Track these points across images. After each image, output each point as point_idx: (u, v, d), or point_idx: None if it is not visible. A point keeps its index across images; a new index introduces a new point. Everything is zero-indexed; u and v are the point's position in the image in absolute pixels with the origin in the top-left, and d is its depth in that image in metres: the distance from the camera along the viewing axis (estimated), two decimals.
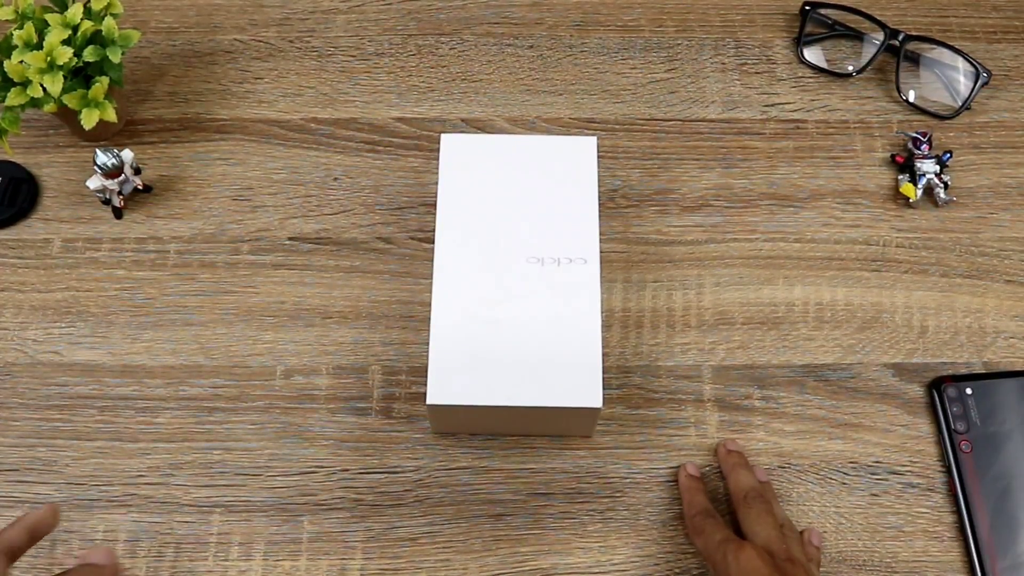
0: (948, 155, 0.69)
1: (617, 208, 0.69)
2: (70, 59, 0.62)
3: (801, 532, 0.58)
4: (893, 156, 0.70)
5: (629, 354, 0.64)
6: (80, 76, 0.65)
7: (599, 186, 0.70)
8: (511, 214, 0.59)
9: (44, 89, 0.63)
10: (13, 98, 0.62)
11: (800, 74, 0.75)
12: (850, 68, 0.74)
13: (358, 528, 0.59)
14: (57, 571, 0.55)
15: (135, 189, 0.67)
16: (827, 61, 0.75)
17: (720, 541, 0.54)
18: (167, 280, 0.66)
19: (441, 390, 0.54)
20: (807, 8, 0.75)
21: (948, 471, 0.61)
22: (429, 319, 0.59)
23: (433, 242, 0.61)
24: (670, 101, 0.73)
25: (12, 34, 0.63)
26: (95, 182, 0.65)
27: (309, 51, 0.75)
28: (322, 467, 0.61)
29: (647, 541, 0.59)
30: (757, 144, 0.72)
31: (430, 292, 0.66)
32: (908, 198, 0.69)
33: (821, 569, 0.58)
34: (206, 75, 0.74)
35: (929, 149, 0.69)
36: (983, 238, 0.68)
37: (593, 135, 0.69)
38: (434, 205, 0.69)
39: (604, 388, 0.63)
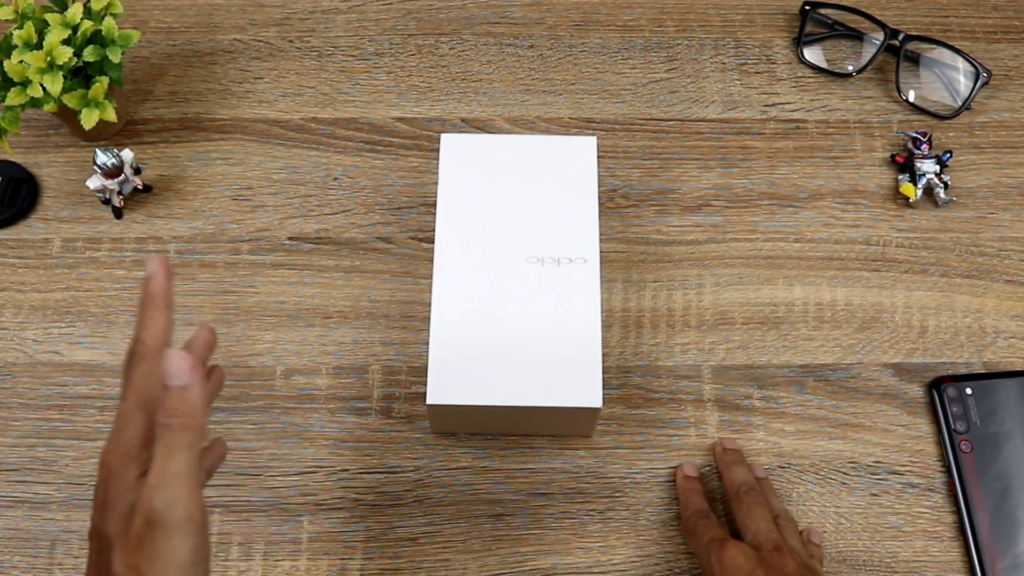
0: (948, 155, 0.69)
1: (617, 208, 0.69)
2: (70, 59, 0.62)
3: (800, 532, 0.58)
4: (893, 156, 0.70)
5: (629, 354, 0.64)
6: (80, 76, 0.65)
7: (599, 186, 0.70)
8: (511, 214, 0.59)
9: (44, 89, 0.63)
10: (13, 98, 0.62)
11: (800, 74, 0.75)
12: (850, 68, 0.74)
13: (358, 528, 0.59)
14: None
15: (135, 189, 0.67)
16: (827, 61, 0.75)
17: (707, 542, 0.54)
18: None
19: (441, 390, 0.54)
20: (807, 8, 0.75)
21: (948, 471, 0.61)
22: (429, 319, 0.59)
23: (433, 242, 0.61)
24: (670, 101, 0.73)
25: (12, 34, 0.63)
26: (95, 182, 0.65)
27: (309, 51, 0.75)
28: (322, 467, 0.61)
29: (647, 541, 0.59)
30: (757, 144, 0.72)
31: (430, 292, 0.66)
32: (908, 198, 0.69)
33: (822, 568, 0.58)
34: (206, 75, 0.74)
35: (929, 149, 0.69)
36: (983, 238, 0.68)
37: (593, 135, 0.69)
38: (434, 205, 0.69)
39: (604, 388, 0.63)
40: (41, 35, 0.64)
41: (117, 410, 0.42)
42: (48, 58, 0.62)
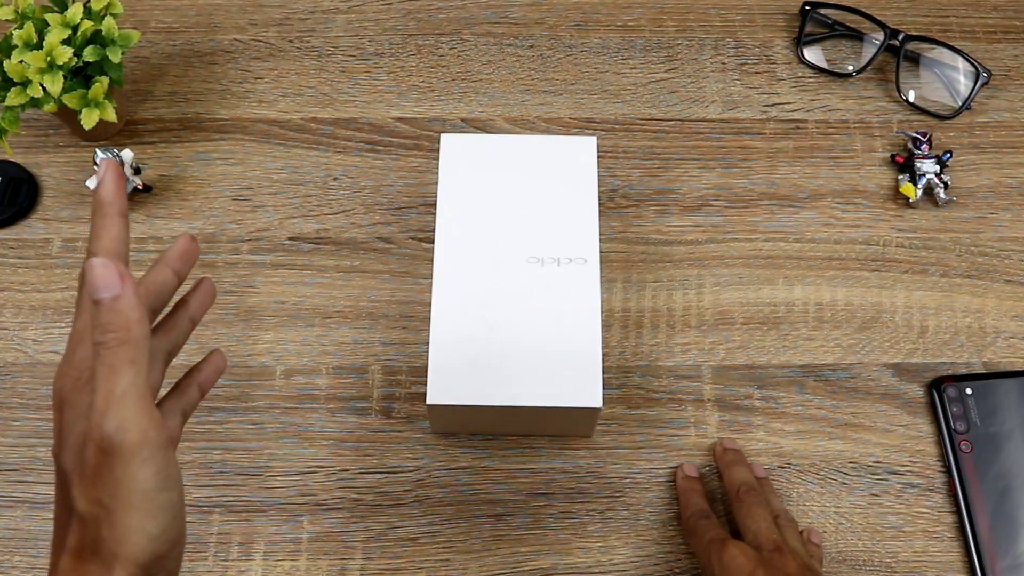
0: (948, 155, 0.69)
1: (617, 208, 0.69)
2: (70, 59, 0.62)
3: (800, 532, 0.58)
4: (893, 156, 0.70)
5: (629, 354, 0.64)
6: (80, 76, 0.65)
7: (599, 186, 0.70)
8: (511, 214, 0.59)
9: (44, 89, 0.63)
10: (13, 98, 0.62)
11: (800, 74, 0.75)
12: (850, 68, 0.74)
13: (358, 528, 0.59)
14: None
15: (135, 189, 0.67)
16: (827, 61, 0.75)
17: (708, 541, 0.54)
18: None
19: (441, 390, 0.54)
20: (807, 8, 0.75)
21: (948, 471, 0.61)
22: (429, 319, 0.59)
23: (433, 242, 0.61)
24: (670, 101, 0.73)
25: (12, 34, 0.63)
26: (95, 182, 0.65)
27: (309, 51, 0.75)
28: (322, 467, 0.61)
29: (647, 541, 0.59)
30: (757, 144, 0.72)
31: (430, 292, 0.66)
32: (908, 198, 0.69)
33: (822, 568, 0.58)
34: (206, 75, 0.74)
35: (929, 149, 0.69)
36: (983, 238, 0.68)
37: (593, 135, 0.69)
38: (434, 205, 0.69)
39: (604, 388, 0.63)
40: (41, 35, 0.64)
41: (71, 331, 0.38)
42: (48, 58, 0.62)
